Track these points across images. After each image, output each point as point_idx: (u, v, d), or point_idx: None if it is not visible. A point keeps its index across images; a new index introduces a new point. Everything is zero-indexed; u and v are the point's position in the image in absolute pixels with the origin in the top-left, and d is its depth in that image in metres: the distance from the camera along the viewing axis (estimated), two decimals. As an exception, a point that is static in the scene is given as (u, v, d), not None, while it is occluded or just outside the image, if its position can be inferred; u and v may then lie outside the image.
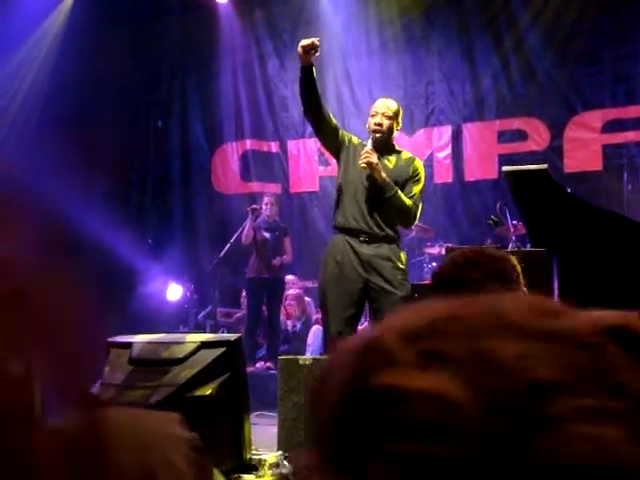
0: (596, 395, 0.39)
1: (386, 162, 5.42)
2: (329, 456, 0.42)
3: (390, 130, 5.42)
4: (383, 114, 5.41)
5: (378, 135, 5.36)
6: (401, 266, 5.38)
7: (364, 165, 5.24)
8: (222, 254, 9.25)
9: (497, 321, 0.43)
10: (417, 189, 5.44)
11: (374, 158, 5.24)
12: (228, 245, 9.31)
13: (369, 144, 5.32)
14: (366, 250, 5.33)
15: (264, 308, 9.42)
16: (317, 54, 5.23)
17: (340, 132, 5.51)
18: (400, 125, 5.55)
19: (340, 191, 5.51)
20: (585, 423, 0.39)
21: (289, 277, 9.64)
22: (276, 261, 9.26)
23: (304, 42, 5.18)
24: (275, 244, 9.35)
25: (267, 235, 9.34)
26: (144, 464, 0.91)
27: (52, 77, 10.62)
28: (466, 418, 0.38)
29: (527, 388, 0.39)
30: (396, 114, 5.46)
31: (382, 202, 5.34)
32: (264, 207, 9.39)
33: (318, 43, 5.17)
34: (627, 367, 0.41)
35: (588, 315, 0.44)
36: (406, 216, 5.42)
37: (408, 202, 5.33)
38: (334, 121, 5.47)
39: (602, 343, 0.42)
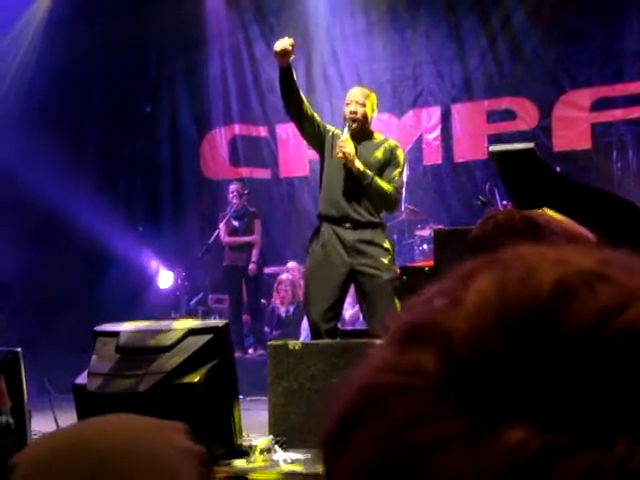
0: None
1: (364, 149, 5.46)
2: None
3: (365, 117, 5.46)
4: (357, 102, 5.46)
5: (354, 123, 5.41)
6: (386, 249, 5.42)
7: (340, 155, 5.26)
8: (211, 240, 9.23)
9: None
10: (396, 173, 5.47)
11: (349, 148, 5.27)
12: (217, 231, 9.30)
13: (345, 132, 5.36)
14: (350, 236, 5.40)
15: (244, 295, 9.51)
16: (293, 56, 5.19)
17: (321, 127, 5.58)
18: (375, 111, 5.59)
19: (322, 181, 5.59)
20: None
21: (290, 264, 9.65)
22: (251, 267, 9.39)
23: (277, 47, 5.17)
24: (245, 230, 9.52)
25: (236, 223, 9.52)
26: (156, 476, 0.92)
27: (37, 64, 10.54)
28: None
29: None
30: (370, 100, 5.49)
31: (362, 189, 5.37)
32: (230, 196, 9.48)
33: (290, 47, 5.14)
34: None
35: None
36: (387, 202, 5.48)
37: (387, 187, 5.37)
38: (316, 117, 5.54)
39: None
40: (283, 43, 5.16)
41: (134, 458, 0.91)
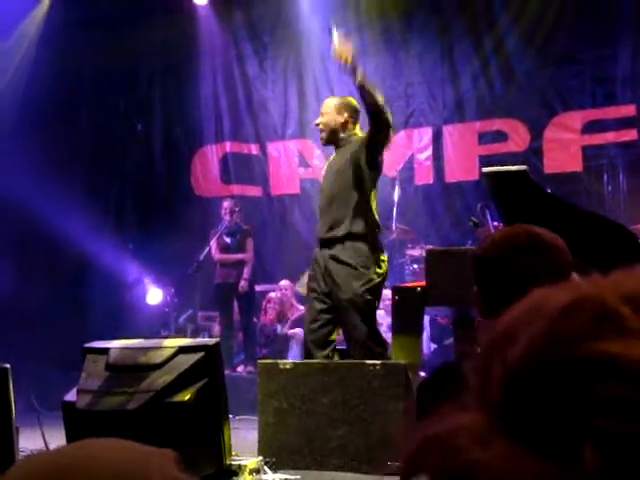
0: None
1: (338, 157, 5.46)
2: (514, 435, 0.37)
3: (329, 126, 5.46)
4: (322, 113, 5.55)
5: (322, 134, 5.50)
6: (349, 264, 5.30)
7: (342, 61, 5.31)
8: (202, 257, 9.20)
9: None
10: (367, 136, 5.37)
11: (345, 51, 5.34)
12: (207, 248, 9.27)
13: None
14: (326, 252, 5.38)
15: (236, 312, 9.46)
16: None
17: None
18: (347, 114, 5.50)
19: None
20: None
21: (283, 282, 9.62)
22: (242, 285, 9.31)
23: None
24: (237, 248, 9.49)
25: (228, 240, 9.50)
26: None
27: (29, 79, 10.52)
28: None
29: None
30: (337, 109, 5.49)
31: (341, 201, 5.33)
32: (223, 212, 9.45)
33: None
34: None
35: None
36: (377, 107, 5.27)
37: (380, 98, 5.29)
38: None
39: None
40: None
41: None
